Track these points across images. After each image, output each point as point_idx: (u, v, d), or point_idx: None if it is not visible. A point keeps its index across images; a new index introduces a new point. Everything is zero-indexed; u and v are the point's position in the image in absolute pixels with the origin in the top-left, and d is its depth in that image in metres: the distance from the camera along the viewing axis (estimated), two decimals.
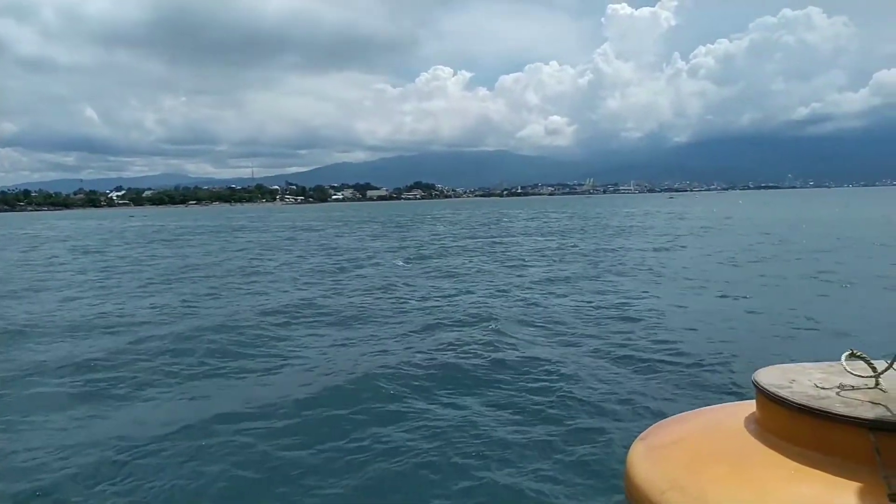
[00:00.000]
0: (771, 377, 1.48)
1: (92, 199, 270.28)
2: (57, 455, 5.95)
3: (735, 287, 15.13)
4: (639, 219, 57.99)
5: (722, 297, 13.90)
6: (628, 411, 6.69)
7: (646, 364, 8.50)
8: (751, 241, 28.94)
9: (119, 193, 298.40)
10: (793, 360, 1.59)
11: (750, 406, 1.56)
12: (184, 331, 11.47)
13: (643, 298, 13.88)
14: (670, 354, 8.97)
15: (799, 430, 1.35)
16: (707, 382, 7.69)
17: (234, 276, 20.47)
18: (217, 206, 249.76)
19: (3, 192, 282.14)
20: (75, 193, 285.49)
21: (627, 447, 1.49)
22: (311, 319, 12.51)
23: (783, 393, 1.38)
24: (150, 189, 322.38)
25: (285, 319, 12.45)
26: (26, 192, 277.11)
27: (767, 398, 1.44)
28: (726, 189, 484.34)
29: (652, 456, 1.46)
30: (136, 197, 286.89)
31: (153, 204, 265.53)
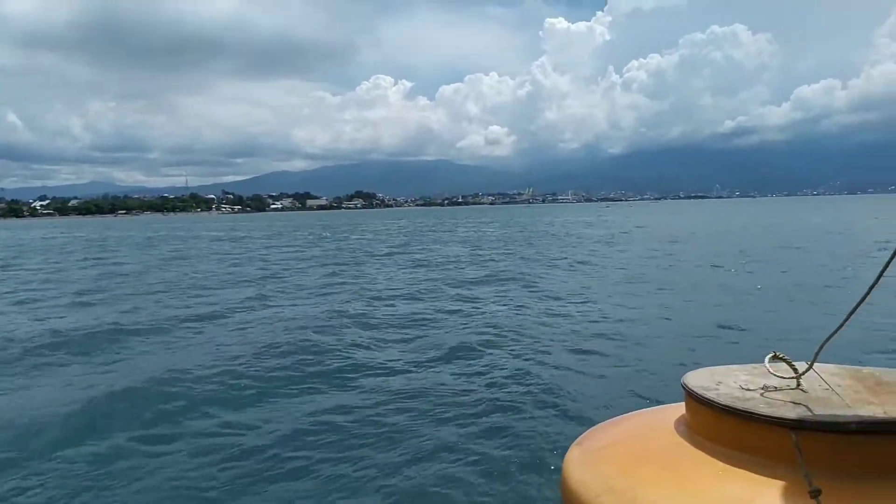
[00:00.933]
0: (699, 379, 1.51)
1: (14, 209, 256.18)
2: None
3: (657, 292, 15.49)
4: (576, 227, 59.18)
5: (646, 303, 14.17)
6: (564, 418, 6.68)
7: (578, 371, 8.54)
8: (668, 249, 29.88)
9: (43, 203, 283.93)
10: (720, 363, 1.62)
11: (680, 408, 1.59)
12: (88, 343, 10.90)
13: (573, 304, 14.01)
14: (602, 360, 9.04)
15: (725, 430, 1.38)
16: (641, 386, 7.78)
17: (154, 288, 19.67)
18: (148, 216, 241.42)
19: None
20: None
21: (563, 453, 1.49)
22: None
23: (710, 395, 1.41)
24: (76, 198, 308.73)
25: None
26: None
27: (695, 400, 1.47)
28: (659, 199, 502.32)
29: (587, 460, 1.47)
30: (61, 207, 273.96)
31: (80, 214, 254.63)
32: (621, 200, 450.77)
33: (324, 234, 59.82)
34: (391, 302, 15.40)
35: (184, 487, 5.38)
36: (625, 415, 1.74)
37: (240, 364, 9.31)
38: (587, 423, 5.93)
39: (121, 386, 8.37)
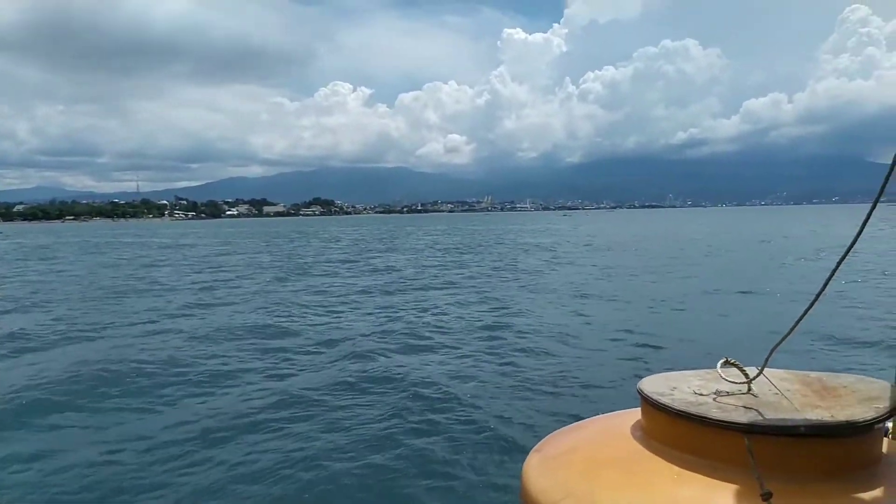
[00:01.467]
0: (654, 385, 1.56)
1: None
2: None
3: (607, 301, 15.69)
4: (532, 235, 59.74)
5: (597, 311, 14.29)
6: (522, 425, 6.60)
7: (534, 378, 8.48)
8: (616, 258, 30.39)
9: None
10: (677, 368, 1.67)
11: (637, 413, 1.65)
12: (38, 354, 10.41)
13: (524, 315, 13.98)
14: (558, 368, 9.01)
15: (680, 435, 1.42)
16: (597, 393, 7.78)
17: (95, 297, 18.99)
18: (97, 222, 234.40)
19: None
20: None
21: (522, 460, 1.52)
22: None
23: (665, 400, 1.47)
24: (22, 203, 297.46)
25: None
26: None
27: (651, 405, 1.51)
28: (615, 207, 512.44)
29: (546, 466, 1.52)
30: (5, 212, 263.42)
31: (25, 219, 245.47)
32: (578, 209, 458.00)
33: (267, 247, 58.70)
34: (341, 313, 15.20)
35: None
36: (583, 421, 1.78)
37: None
38: (545, 430, 5.87)
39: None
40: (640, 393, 1.57)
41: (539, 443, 1.62)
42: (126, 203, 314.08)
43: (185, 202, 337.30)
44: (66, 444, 6.36)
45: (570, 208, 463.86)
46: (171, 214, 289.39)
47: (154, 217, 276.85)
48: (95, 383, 8.74)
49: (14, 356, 10.73)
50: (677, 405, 1.44)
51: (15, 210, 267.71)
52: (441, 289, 19.09)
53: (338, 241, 56.45)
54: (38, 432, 6.83)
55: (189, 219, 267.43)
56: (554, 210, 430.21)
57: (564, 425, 1.70)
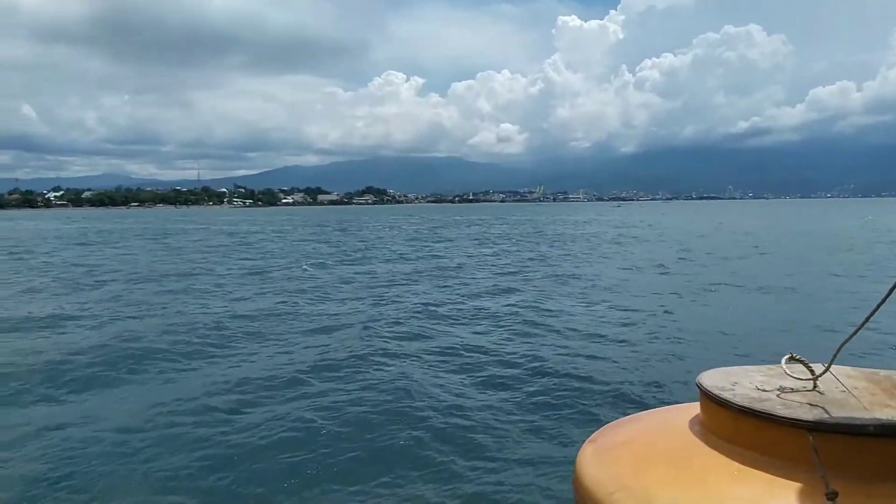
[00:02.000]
0: (714, 379, 1.51)
1: (28, 199, 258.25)
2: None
3: (668, 294, 15.50)
4: (586, 227, 59.01)
5: (657, 304, 14.17)
6: (576, 415, 6.72)
7: (590, 368, 8.58)
8: (676, 250, 29.78)
9: (57, 194, 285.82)
10: (734, 363, 1.61)
11: (695, 408, 1.59)
12: (108, 335, 11.04)
13: (582, 305, 14.03)
14: (613, 359, 9.09)
15: (741, 431, 1.38)
16: (655, 385, 7.80)
17: (158, 280, 19.84)
18: (161, 209, 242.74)
19: None
20: (10, 193, 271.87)
21: (577, 450, 1.50)
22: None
23: (726, 395, 1.42)
24: (90, 190, 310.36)
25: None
26: None
27: (711, 400, 1.47)
28: (670, 199, 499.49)
29: (600, 458, 1.47)
30: (74, 198, 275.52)
31: (93, 205, 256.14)
32: (633, 200, 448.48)
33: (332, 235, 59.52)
34: (400, 296, 15.49)
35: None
36: (638, 413, 1.73)
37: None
38: (599, 421, 5.98)
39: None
40: (700, 387, 1.52)
41: (593, 434, 1.59)
42: (188, 190, 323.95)
43: (243, 190, 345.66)
44: (117, 410, 6.81)
45: (623, 199, 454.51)
46: (229, 202, 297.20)
47: (214, 204, 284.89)
48: (145, 354, 9.32)
49: (59, 329, 11.48)
50: (739, 400, 1.40)
51: (84, 196, 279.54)
52: (494, 275, 19.22)
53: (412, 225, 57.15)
54: (91, 397, 7.33)
55: (246, 206, 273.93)
56: (607, 201, 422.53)
57: (617, 418, 1.66)
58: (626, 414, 1.72)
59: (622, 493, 1.33)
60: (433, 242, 38.31)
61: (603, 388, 7.69)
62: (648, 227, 54.13)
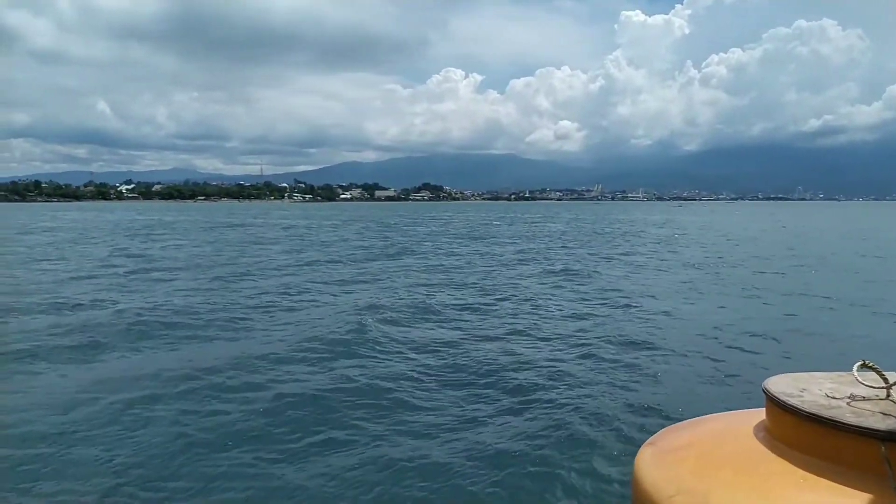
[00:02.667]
0: (781, 385, 1.49)
1: (102, 191, 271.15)
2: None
3: (736, 296, 15.09)
4: (644, 225, 57.82)
5: (723, 305, 13.84)
6: (636, 417, 6.65)
7: (653, 371, 8.47)
8: (740, 250, 28.82)
9: (129, 187, 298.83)
10: (801, 370, 1.58)
11: (759, 414, 1.57)
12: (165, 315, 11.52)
13: (647, 306, 13.81)
14: (677, 362, 8.93)
15: (808, 438, 1.36)
16: (715, 389, 7.63)
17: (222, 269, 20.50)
18: (225, 203, 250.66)
19: (14, 181, 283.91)
20: (85, 186, 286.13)
21: (635, 452, 1.50)
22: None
23: (793, 401, 1.40)
24: (159, 183, 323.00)
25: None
26: (37, 183, 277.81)
27: (777, 406, 1.45)
28: (735, 199, 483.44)
29: (660, 461, 1.47)
30: (145, 191, 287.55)
31: (162, 198, 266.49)
32: (695, 200, 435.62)
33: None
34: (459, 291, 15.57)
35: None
36: (699, 417, 1.70)
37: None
38: (658, 424, 5.89)
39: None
40: (766, 392, 1.50)
41: (652, 437, 1.58)
42: (251, 185, 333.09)
43: (303, 185, 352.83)
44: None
45: (685, 199, 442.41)
46: (290, 197, 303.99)
47: (275, 199, 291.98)
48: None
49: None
50: (807, 407, 1.37)
51: (153, 190, 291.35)
52: (553, 276, 19.09)
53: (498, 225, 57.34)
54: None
55: (306, 201, 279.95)
56: (668, 200, 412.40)
57: (677, 421, 1.65)
58: (685, 418, 1.69)
59: (683, 497, 1.32)
60: (486, 238, 38.30)
61: (662, 391, 7.58)
62: (709, 228, 52.64)
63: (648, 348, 9.80)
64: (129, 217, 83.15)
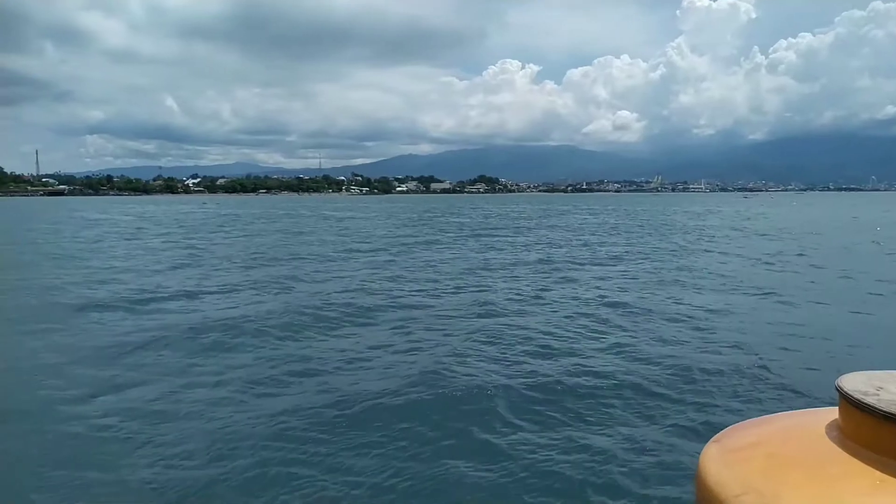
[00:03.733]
0: (856, 383, 1.44)
1: (170, 185, 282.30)
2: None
3: (804, 292, 14.61)
4: (701, 218, 56.18)
5: (789, 301, 13.42)
6: (700, 414, 6.60)
7: (718, 367, 8.34)
8: (812, 244, 27.70)
9: (195, 181, 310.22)
10: (874, 368, 1.53)
11: (832, 412, 1.53)
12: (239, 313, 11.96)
13: (709, 301, 13.55)
14: (743, 359, 8.77)
15: (885, 439, 1.32)
16: (784, 387, 7.49)
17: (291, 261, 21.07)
18: (285, 196, 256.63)
19: (88, 176, 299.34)
20: (154, 180, 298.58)
21: (699, 450, 1.49)
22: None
23: (869, 400, 1.36)
24: (223, 177, 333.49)
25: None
26: (109, 178, 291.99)
27: (852, 405, 1.41)
28: (804, 190, 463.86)
29: (726, 459, 1.45)
30: (210, 184, 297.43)
31: (226, 192, 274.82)
32: (761, 191, 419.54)
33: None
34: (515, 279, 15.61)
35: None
36: (768, 415, 1.68)
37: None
38: (724, 421, 5.84)
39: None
40: (840, 390, 1.47)
41: (718, 434, 1.57)
42: (309, 178, 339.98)
43: (360, 178, 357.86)
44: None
45: (751, 190, 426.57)
46: (347, 189, 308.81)
47: (333, 192, 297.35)
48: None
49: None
50: (884, 406, 1.34)
51: (217, 183, 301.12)
52: (615, 268, 18.89)
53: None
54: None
55: (363, 194, 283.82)
56: (732, 191, 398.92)
57: (744, 418, 1.64)
58: (751, 416, 1.66)
59: (750, 496, 1.29)
60: (552, 228, 38.07)
61: (729, 387, 7.49)
62: (776, 220, 50.76)
63: (718, 343, 9.66)
64: (203, 210, 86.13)
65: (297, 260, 22.08)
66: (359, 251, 25.78)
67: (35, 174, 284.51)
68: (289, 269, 19.21)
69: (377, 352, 9.33)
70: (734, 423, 1.62)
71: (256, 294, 14.46)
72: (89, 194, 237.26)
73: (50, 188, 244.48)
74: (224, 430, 6.27)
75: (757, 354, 9.02)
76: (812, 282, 16.52)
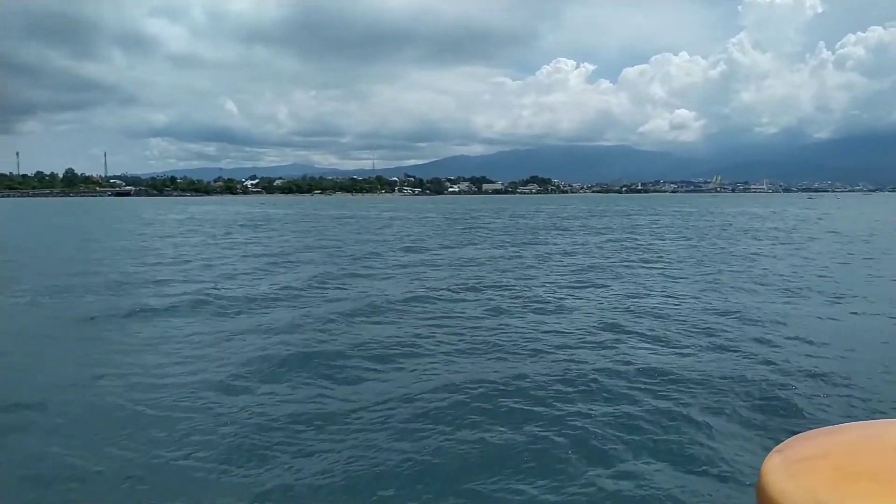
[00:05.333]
0: None
1: (230, 186, 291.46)
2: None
3: (880, 300, 14.09)
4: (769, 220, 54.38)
5: (862, 310, 12.98)
6: (762, 423, 6.53)
7: (784, 376, 8.21)
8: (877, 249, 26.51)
9: (253, 182, 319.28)
10: None
11: None
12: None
13: (778, 307, 13.22)
14: (811, 367, 8.58)
15: None
16: (851, 398, 7.32)
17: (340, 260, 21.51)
18: (339, 196, 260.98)
19: (153, 177, 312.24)
20: (215, 181, 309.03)
21: (762, 459, 1.46)
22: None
23: None
24: (280, 178, 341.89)
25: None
26: (172, 179, 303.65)
27: None
28: (872, 191, 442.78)
29: (790, 469, 1.42)
30: (267, 185, 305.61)
31: (283, 193, 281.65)
32: (827, 191, 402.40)
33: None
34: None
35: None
36: (834, 426, 1.63)
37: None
38: (788, 431, 5.78)
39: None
40: None
41: (781, 444, 1.55)
42: (363, 179, 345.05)
43: (412, 179, 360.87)
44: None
45: (815, 190, 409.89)
46: (399, 190, 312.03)
47: (385, 192, 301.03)
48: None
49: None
50: None
51: (275, 185, 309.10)
52: (674, 272, 18.63)
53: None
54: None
55: (415, 195, 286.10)
56: (796, 192, 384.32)
57: (809, 429, 1.60)
58: (816, 426, 1.63)
59: None
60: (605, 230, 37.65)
61: (795, 396, 7.35)
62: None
63: (778, 353, 9.46)
64: (263, 210, 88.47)
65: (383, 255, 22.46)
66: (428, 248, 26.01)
67: (103, 175, 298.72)
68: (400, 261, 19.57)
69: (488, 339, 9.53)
70: (798, 432, 1.59)
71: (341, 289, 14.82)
72: (154, 195, 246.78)
73: (117, 188, 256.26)
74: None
75: (828, 362, 8.81)
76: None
